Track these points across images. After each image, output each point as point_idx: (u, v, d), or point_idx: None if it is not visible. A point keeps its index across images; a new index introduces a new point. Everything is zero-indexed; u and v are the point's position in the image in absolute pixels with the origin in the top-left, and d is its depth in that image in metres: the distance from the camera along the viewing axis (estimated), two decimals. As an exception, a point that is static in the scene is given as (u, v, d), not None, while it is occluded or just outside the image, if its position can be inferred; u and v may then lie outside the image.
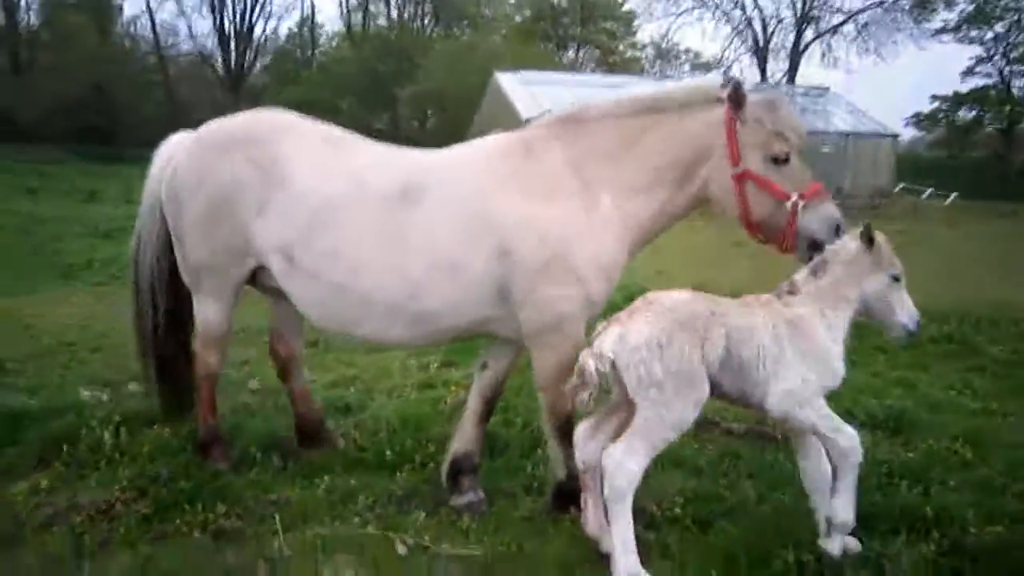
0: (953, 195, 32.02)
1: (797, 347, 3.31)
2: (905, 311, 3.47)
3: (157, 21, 49.67)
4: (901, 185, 33.93)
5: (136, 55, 47.94)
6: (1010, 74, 40.51)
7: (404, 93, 39.64)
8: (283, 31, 56.66)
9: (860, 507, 3.42)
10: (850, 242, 3.49)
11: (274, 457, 4.29)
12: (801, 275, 3.51)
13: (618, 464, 3.16)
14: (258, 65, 55.67)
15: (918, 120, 43.45)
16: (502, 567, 3.37)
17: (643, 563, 3.23)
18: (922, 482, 4.30)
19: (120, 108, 42.11)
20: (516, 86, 30.47)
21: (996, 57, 40.63)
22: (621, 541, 3.18)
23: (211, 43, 52.31)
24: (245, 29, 51.55)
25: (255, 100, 51.53)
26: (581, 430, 3.50)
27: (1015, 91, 40.64)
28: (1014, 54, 39.69)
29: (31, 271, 10.67)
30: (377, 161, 3.90)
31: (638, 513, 3.44)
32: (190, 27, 53.06)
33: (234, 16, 51.09)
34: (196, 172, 4.01)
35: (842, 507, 3.36)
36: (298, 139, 3.94)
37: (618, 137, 3.73)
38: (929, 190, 32.91)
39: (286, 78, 50.37)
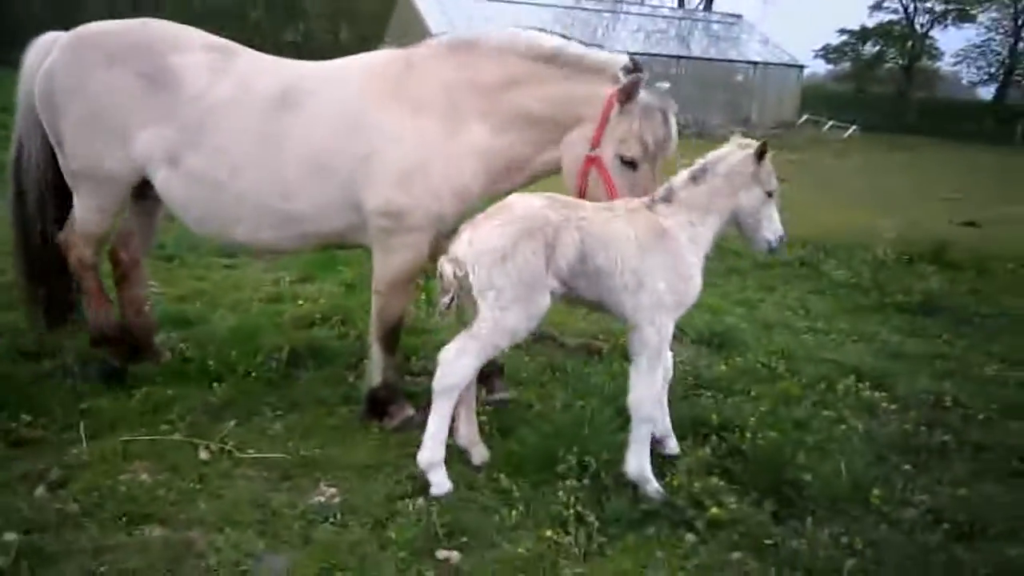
0: (852, 128, 33.13)
1: (659, 260, 3.33)
2: (772, 228, 3.54)
3: (42, -90, 45.56)
4: (805, 116, 34.89)
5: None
6: (914, 11, 41.74)
7: (312, 3, 37.94)
8: (185, -71, 52.64)
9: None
10: (736, 152, 3.47)
11: (93, 367, 4.24)
12: (679, 180, 3.48)
13: (450, 362, 3.29)
14: (159, -34, 52.06)
15: (826, 53, 44.50)
16: (301, 470, 3.50)
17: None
18: (724, 393, 4.64)
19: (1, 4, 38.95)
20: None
21: (902, -7, 41.72)
22: (433, 432, 3.35)
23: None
24: (142, -75, 47.89)
25: (155, 5, 48.47)
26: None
27: (917, 28, 41.95)
28: (919, -10, 40.84)
29: None
30: (261, 68, 3.99)
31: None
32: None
33: (129, -91, 47.35)
34: (76, 78, 3.90)
35: (630, 462, 3.44)
36: (186, 48, 3.94)
37: (504, 75, 3.75)
38: (830, 122, 33.95)
39: (189, -19, 47.34)
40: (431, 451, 3.36)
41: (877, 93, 44.30)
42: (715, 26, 37.10)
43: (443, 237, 3.78)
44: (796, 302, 7.03)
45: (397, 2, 32.30)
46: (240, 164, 3.79)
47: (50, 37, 4.15)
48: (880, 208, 13.64)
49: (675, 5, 42.09)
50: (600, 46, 3.91)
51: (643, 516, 3.24)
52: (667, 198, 3.47)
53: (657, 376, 3.46)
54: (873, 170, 21.04)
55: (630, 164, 3.62)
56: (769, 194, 3.51)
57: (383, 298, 3.91)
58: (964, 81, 51.81)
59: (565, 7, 34.44)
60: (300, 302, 5.80)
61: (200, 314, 5.41)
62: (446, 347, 3.36)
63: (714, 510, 3.26)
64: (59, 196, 4.22)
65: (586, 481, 3.42)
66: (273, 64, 4.06)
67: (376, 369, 3.99)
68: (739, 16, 37.93)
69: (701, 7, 42.51)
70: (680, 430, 3.99)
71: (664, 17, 37.22)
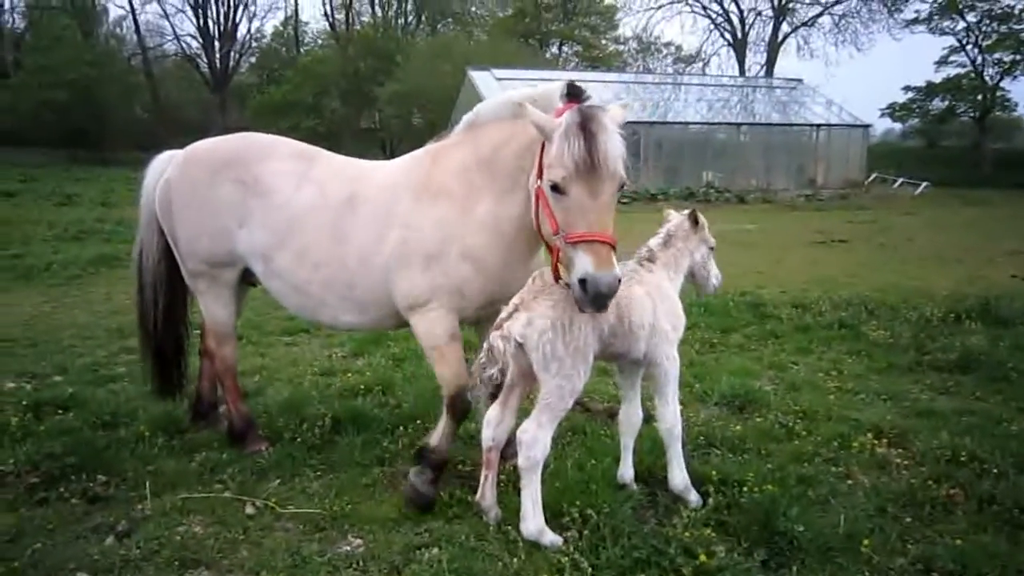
0: (924, 184, 32.54)
1: (663, 307, 4.03)
2: (715, 274, 4.44)
3: (140, 22, 50.14)
4: (874, 175, 34.47)
5: (121, 56, 48.34)
6: (983, 63, 41.08)
7: (384, 92, 40.10)
8: (269, 29, 57.02)
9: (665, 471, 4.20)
10: (684, 222, 4.33)
11: (160, 435, 4.83)
12: (656, 243, 4.27)
13: (534, 438, 3.68)
14: (244, 65, 56.15)
15: (892, 111, 44.01)
16: (332, 523, 3.92)
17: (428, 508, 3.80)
18: (734, 451, 4.87)
19: (107, 110, 42.57)
20: (489, 84, 31.06)
21: (968, 47, 41.21)
22: (531, 503, 3.73)
23: (196, 43, 52.77)
24: (229, 28, 51.98)
25: (241, 100, 52.13)
26: (492, 413, 3.96)
27: (987, 79, 41.20)
28: (986, 43, 40.23)
29: (-7, 273, 11.19)
30: (335, 173, 4.46)
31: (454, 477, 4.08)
32: (174, 28, 53.05)
33: (217, 16, 51.62)
34: (187, 190, 4.58)
35: (675, 477, 4.19)
36: (276, 158, 4.53)
37: (493, 142, 3.98)
38: (900, 180, 33.44)
39: (271, 78, 50.86)
40: (534, 521, 3.73)
41: (950, 147, 43.42)
42: (777, 91, 37.39)
43: (479, 309, 4.16)
44: (830, 363, 7.13)
45: (462, 88, 33.86)
46: (320, 261, 4.29)
47: (167, 156, 4.90)
48: (941, 265, 13.52)
49: (736, 73, 42.65)
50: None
51: (634, 563, 3.51)
52: (651, 259, 4.21)
53: (676, 401, 4.13)
54: (941, 226, 20.68)
55: (556, 189, 3.41)
56: (712, 249, 4.40)
57: (434, 363, 4.20)
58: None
59: (626, 82, 35.47)
60: (349, 375, 6.33)
61: (258, 387, 6.01)
62: (522, 428, 3.74)
63: (703, 558, 3.51)
64: (170, 291, 4.94)
65: (586, 532, 3.74)
66: (343, 168, 4.53)
67: (437, 431, 4.24)
68: (800, 80, 38.16)
69: (762, 73, 42.96)
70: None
71: (725, 86, 37.75)
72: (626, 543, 3.63)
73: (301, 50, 56.71)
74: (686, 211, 4.40)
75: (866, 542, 3.72)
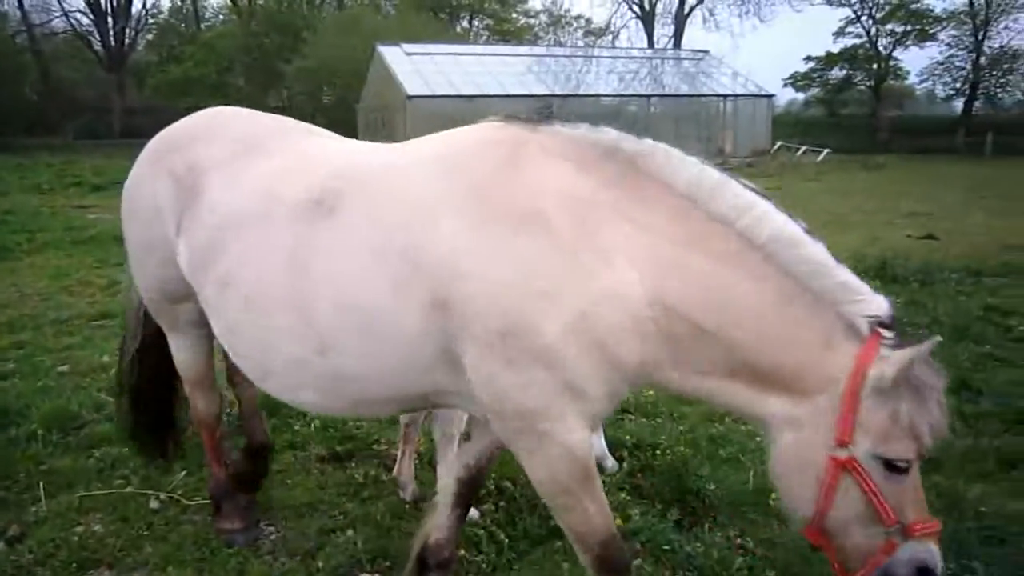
0: (825, 151, 33.78)
1: None
2: None
3: (24, -2, 46.92)
4: (779, 144, 35.59)
5: (4, 33, 45.27)
6: (876, 34, 42.85)
7: (290, 69, 38.90)
8: (166, 4, 54.45)
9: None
10: None
11: (55, 432, 4.57)
12: None
13: (450, 411, 3.59)
14: (140, 42, 53.56)
15: (794, 81, 45.57)
16: (242, 512, 3.80)
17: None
18: (647, 416, 4.97)
19: (-7, 93, 39.90)
20: (399, 59, 30.51)
21: (863, 18, 42.87)
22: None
23: (87, 20, 49.95)
24: (123, 3, 49.32)
25: (139, 79, 49.73)
26: None
27: (881, 49, 43.06)
28: (879, 14, 41.95)
29: None
30: (296, 163, 2.88)
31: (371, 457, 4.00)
32: (61, 3, 49.83)
33: (108, -10, 48.88)
34: (130, 192, 3.30)
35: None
36: (213, 140, 3.11)
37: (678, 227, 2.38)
38: (803, 148, 34.62)
39: (171, 55, 48.70)
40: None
41: (849, 115, 45.31)
42: (685, 63, 38.04)
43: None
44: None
45: (372, 62, 33.14)
46: (257, 295, 2.72)
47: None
48: (843, 228, 14.05)
49: (645, 45, 43.17)
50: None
51: (550, 532, 3.54)
52: None
53: None
54: (842, 191, 21.51)
55: (899, 470, 2.26)
56: None
57: (557, 506, 2.60)
58: (939, 98, 52.79)
59: (537, 56, 35.34)
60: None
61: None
62: None
63: (618, 521, 3.55)
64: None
65: (503, 503, 3.74)
66: (315, 152, 2.95)
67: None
68: (706, 52, 38.93)
69: (670, 45, 43.64)
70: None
71: (635, 58, 38.15)
72: (542, 512, 3.66)
73: (201, 26, 54.45)
74: None
75: (774, 496, 3.85)
